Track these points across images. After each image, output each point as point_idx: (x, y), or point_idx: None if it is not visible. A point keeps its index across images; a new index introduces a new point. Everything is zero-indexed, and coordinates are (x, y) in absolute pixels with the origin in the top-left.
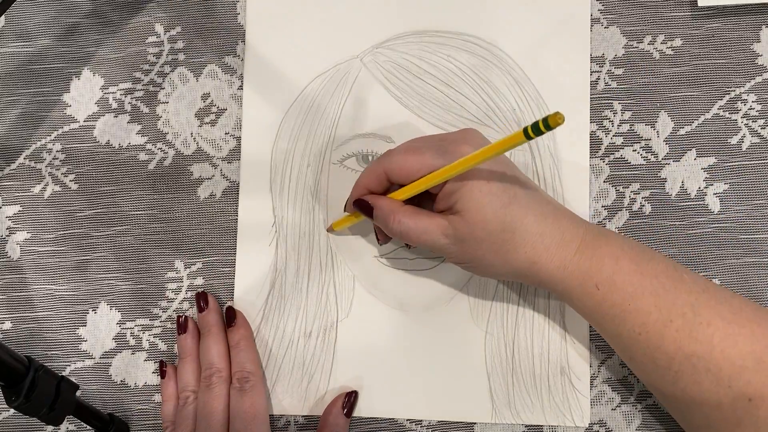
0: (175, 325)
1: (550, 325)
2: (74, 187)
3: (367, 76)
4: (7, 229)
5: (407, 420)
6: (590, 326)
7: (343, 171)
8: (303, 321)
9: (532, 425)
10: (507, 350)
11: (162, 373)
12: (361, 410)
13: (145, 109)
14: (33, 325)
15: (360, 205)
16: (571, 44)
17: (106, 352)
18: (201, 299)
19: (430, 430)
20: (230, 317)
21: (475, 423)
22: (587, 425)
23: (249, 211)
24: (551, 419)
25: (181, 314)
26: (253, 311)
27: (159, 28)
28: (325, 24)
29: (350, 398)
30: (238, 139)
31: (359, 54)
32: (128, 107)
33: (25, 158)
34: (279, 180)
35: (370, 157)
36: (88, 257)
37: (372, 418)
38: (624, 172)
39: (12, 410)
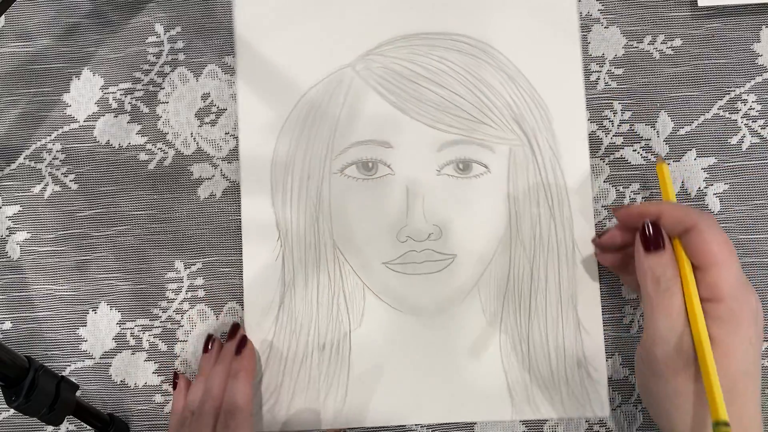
0: (175, 326)
1: (563, 319)
2: (74, 187)
3: (360, 83)
4: (7, 229)
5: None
6: (603, 317)
7: (345, 180)
8: (315, 334)
9: (552, 419)
10: (522, 347)
11: (174, 384)
12: (382, 419)
13: (145, 109)
14: (33, 325)
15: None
16: (561, 36)
17: (106, 352)
18: (241, 345)
19: (430, 430)
20: (240, 346)
21: (475, 423)
22: (608, 414)
23: (252, 229)
24: (571, 412)
25: (212, 335)
26: (264, 328)
27: (159, 28)
28: (313, 35)
29: None
30: (238, 138)
31: (351, 62)
32: (128, 107)
33: (25, 158)
34: (280, 193)
35: (370, 164)
36: (88, 257)
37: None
38: (624, 172)
39: (12, 410)
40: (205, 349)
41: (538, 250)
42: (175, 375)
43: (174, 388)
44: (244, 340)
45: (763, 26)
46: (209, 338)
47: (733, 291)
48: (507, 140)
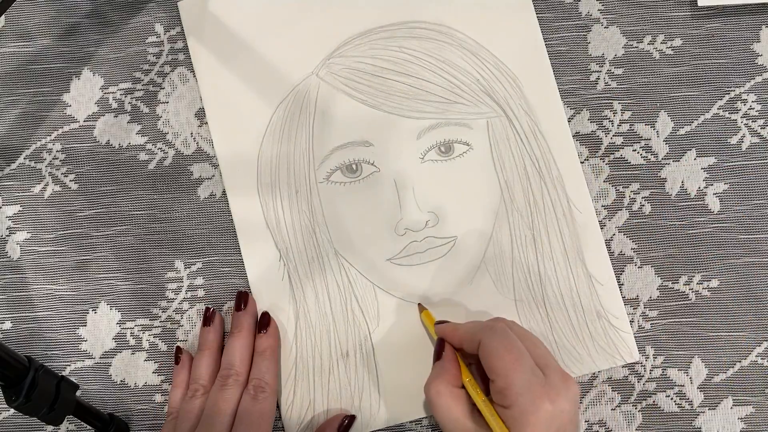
0: (174, 326)
1: (574, 276)
2: (74, 187)
3: (327, 89)
4: (7, 229)
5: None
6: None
7: (332, 186)
8: (336, 343)
9: (586, 375)
10: (540, 311)
11: (176, 358)
12: (420, 411)
13: (145, 109)
14: (33, 325)
15: (437, 345)
16: (513, 2)
17: (106, 352)
18: (242, 299)
19: (430, 429)
20: (264, 323)
21: None
22: (638, 359)
23: (253, 256)
24: (601, 364)
25: (210, 307)
26: (285, 348)
27: (159, 28)
28: (271, 51)
29: (345, 421)
30: (221, 172)
31: (313, 70)
32: (128, 107)
33: (25, 158)
34: (272, 214)
35: (354, 166)
36: (88, 257)
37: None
38: (624, 172)
39: (12, 410)
40: (206, 323)
41: (536, 215)
42: (179, 349)
43: (177, 362)
44: (267, 318)
45: (763, 26)
46: (208, 311)
47: (520, 398)
48: (482, 114)
